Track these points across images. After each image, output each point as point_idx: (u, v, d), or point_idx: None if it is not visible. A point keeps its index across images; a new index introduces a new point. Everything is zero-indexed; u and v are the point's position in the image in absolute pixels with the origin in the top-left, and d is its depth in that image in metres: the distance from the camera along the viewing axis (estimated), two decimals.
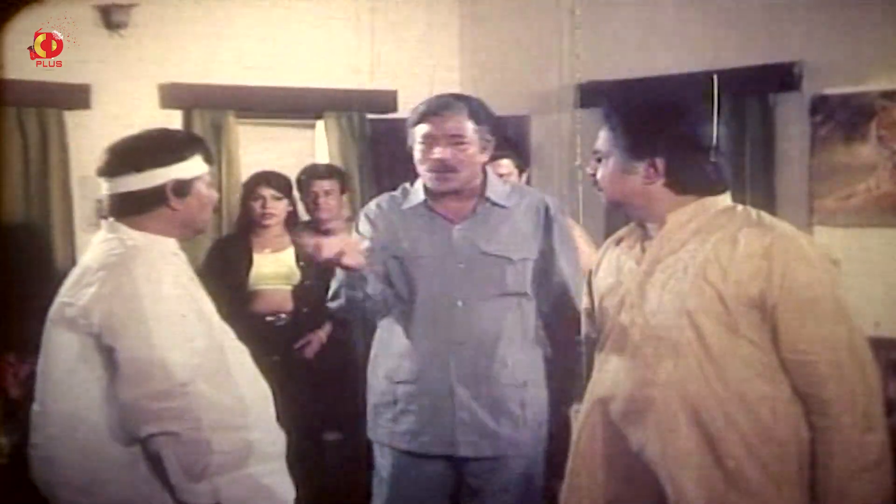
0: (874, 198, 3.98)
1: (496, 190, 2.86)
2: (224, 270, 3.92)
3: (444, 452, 2.81)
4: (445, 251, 2.81)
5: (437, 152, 2.76)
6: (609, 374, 2.20)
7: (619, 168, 2.17)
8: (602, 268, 2.33)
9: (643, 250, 2.21)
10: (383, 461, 2.90)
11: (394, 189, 2.98)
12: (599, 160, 2.23)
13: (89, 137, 4.10)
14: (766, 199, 4.06)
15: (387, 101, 4.88)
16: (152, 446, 2.12)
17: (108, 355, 2.13)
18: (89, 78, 4.24)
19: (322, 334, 4.03)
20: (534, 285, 2.84)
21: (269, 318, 3.96)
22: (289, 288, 4.04)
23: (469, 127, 2.77)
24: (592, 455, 2.22)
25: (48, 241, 4.16)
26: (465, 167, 2.78)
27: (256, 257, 4.03)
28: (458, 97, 2.87)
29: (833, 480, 2.01)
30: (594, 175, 2.24)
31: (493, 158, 3.07)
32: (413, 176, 2.91)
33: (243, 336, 2.35)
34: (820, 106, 4.10)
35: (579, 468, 2.24)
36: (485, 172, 2.87)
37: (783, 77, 4.15)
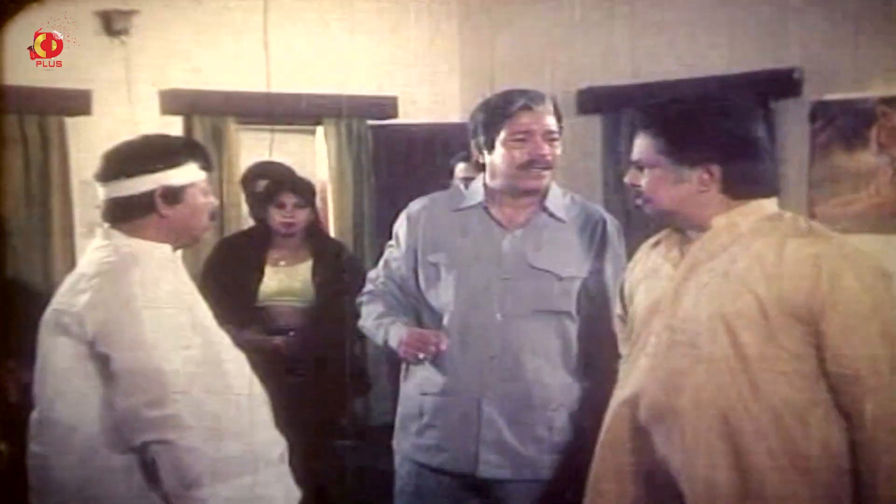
0: (874, 204, 3.98)
1: (555, 200, 2.70)
2: (229, 281, 3.58)
3: (464, 471, 2.67)
4: (492, 260, 2.66)
5: (539, 147, 2.61)
6: (636, 378, 2.12)
7: (670, 178, 2.08)
8: (636, 272, 2.25)
9: (682, 254, 2.12)
10: (403, 473, 2.78)
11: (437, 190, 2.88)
12: (641, 169, 2.13)
13: (90, 143, 4.11)
14: None
15: (387, 107, 4.88)
16: (147, 454, 2.10)
17: (103, 363, 2.12)
18: (90, 84, 4.25)
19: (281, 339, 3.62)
20: (580, 306, 2.67)
21: (277, 339, 3.56)
22: (300, 306, 3.67)
23: (556, 124, 2.66)
24: (618, 459, 2.14)
25: (49, 247, 4.16)
26: (555, 166, 2.66)
27: (268, 270, 3.68)
28: (542, 93, 2.69)
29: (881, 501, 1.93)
30: (637, 185, 2.14)
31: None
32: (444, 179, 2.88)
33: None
34: (820, 112, 4.10)
35: (605, 472, 2.16)
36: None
37: (783, 83, 4.16)
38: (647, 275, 2.19)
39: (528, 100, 2.63)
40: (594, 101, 4.75)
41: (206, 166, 2.32)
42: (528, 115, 2.61)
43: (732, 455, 1.99)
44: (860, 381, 1.94)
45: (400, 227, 2.80)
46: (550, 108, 2.66)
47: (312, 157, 4.93)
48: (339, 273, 3.72)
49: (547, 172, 2.65)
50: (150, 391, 2.09)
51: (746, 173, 2.06)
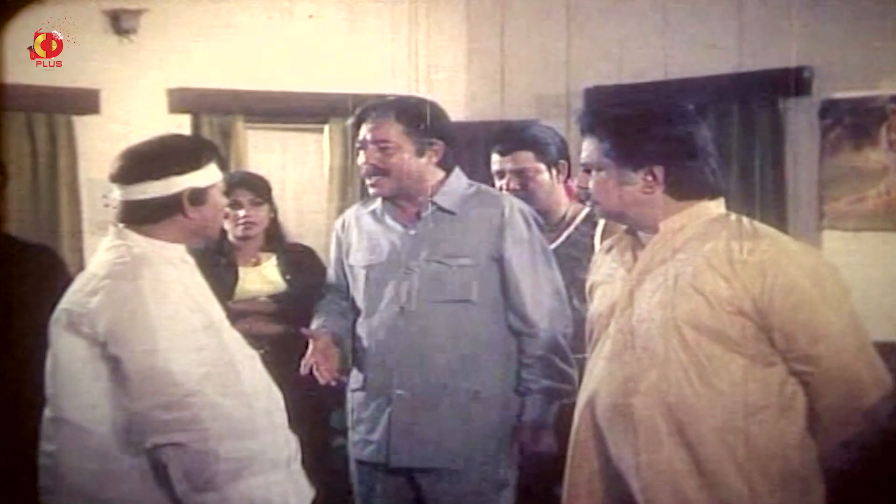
0: (884, 202, 3.97)
1: (448, 195, 2.80)
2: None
3: (381, 461, 2.79)
4: (391, 257, 2.81)
5: (365, 157, 2.78)
6: (594, 380, 2.17)
7: (615, 179, 2.13)
8: (596, 276, 2.30)
9: (634, 258, 2.17)
10: (353, 472, 2.91)
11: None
12: (589, 171, 2.18)
13: (98, 142, 4.12)
14: (776, 204, 4.05)
15: None
16: (158, 457, 2.10)
17: (115, 365, 2.11)
18: (98, 83, 4.26)
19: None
20: (482, 293, 2.77)
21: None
22: (274, 306, 3.44)
23: (395, 132, 2.75)
24: (586, 460, 2.18)
25: (57, 246, 4.16)
26: (395, 172, 2.76)
27: (241, 270, 3.44)
28: (392, 101, 2.84)
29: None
30: (585, 188, 2.21)
31: (508, 151, 3.04)
32: None
33: None
34: (830, 110, 4.09)
35: (576, 474, 2.21)
36: (446, 175, 2.82)
37: (793, 81, 4.14)
38: (603, 279, 2.24)
39: (364, 111, 2.79)
40: (601, 100, 4.74)
41: (224, 166, 2.34)
42: (364, 126, 2.78)
43: (687, 455, 2.04)
44: (823, 374, 2.01)
45: (333, 237, 2.98)
46: (388, 117, 2.76)
47: (320, 155, 4.93)
48: (316, 274, 3.43)
49: (383, 179, 2.77)
50: (160, 394, 2.08)
51: (688, 175, 2.12)
